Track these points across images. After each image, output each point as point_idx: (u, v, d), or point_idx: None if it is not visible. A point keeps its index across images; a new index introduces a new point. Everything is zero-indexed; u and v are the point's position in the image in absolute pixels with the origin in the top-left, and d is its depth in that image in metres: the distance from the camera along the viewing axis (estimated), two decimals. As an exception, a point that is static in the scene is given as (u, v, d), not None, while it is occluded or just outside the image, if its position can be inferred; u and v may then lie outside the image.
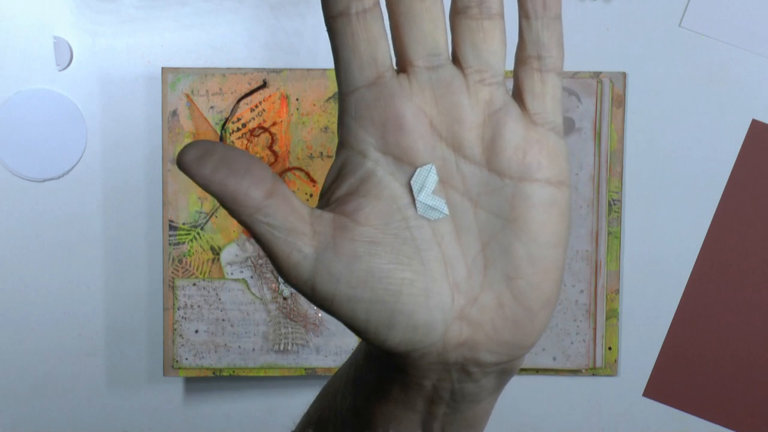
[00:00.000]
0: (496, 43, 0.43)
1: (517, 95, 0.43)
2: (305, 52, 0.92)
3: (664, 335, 0.94)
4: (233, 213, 0.41)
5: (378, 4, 0.42)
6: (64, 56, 0.91)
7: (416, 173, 0.42)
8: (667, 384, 0.95)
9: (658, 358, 0.94)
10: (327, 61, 0.92)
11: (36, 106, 0.91)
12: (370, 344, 0.44)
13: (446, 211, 0.43)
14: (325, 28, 0.92)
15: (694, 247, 0.94)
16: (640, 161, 0.93)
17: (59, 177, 0.92)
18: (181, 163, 0.40)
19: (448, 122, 0.42)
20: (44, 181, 0.92)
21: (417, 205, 0.43)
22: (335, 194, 0.43)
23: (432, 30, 0.43)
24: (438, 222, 0.43)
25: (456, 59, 0.43)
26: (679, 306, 0.94)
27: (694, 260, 0.94)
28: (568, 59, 0.93)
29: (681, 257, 0.94)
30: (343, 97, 0.43)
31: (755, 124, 0.94)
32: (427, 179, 0.43)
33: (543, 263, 0.43)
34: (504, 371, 0.45)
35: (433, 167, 0.43)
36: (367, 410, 0.47)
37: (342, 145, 0.43)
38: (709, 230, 0.95)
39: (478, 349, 0.44)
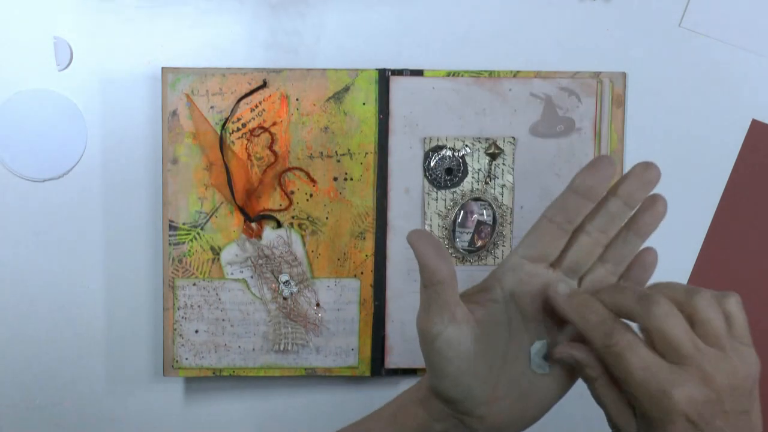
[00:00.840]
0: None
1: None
2: (305, 52, 0.92)
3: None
4: (424, 277, 0.68)
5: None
6: (64, 56, 0.91)
7: (537, 343, 0.71)
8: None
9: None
10: (327, 61, 0.92)
11: (36, 106, 0.91)
12: (431, 380, 0.70)
13: (547, 370, 0.71)
14: (325, 28, 0.92)
15: (694, 247, 0.94)
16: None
17: (59, 177, 0.92)
18: (411, 237, 0.68)
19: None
20: (44, 181, 0.92)
21: (532, 361, 0.71)
22: (474, 299, 0.71)
23: (584, 259, 0.71)
24: (510, 351, 0.71)
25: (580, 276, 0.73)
26: (679, 306, 0.94)
27: (694, 260, 0.94)
28: (568, 59, 0.93)
29: (681, 257, 0.94)
30: (514, 254, 0.71)
31: (755, 124, 0.94)
32: (540, 348, 0.71)
33: (544, 402, 0.72)
34: None
35: (546, 342, 0.71)
36: None
37: (495, 275, 0.72)
38: (709, 230, 0.95)
39: (485, 424, 0.70)
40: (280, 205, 0.91)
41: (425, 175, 0.91)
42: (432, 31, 0.92)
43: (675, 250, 0.93)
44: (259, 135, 0.90)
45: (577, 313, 0.68)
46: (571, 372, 0.71)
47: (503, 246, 0.92)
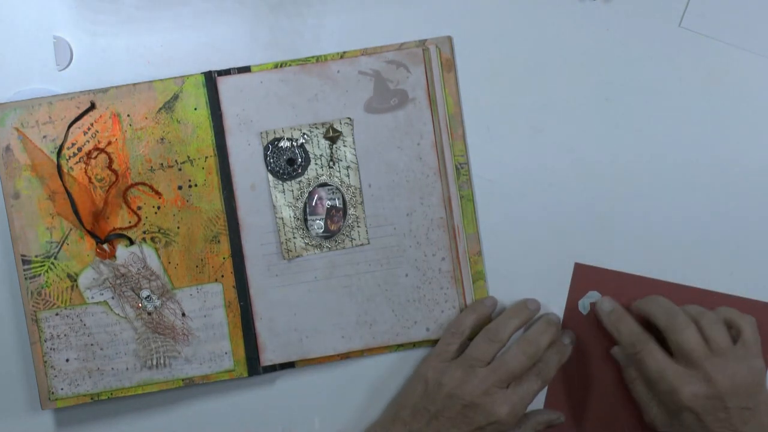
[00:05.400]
0: None
1: None
2: (305, 52, 0.92)
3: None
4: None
5: None
6: (64, 56, 0.91)
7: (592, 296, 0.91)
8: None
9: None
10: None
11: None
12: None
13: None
14: (324, 28, 0.93)
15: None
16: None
17: None
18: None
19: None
20: None
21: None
22: None
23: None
24: None
25: None
26: (543, 258, 0.94)
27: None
28: (570, 59, 0.93)
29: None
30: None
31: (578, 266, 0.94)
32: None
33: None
34: None
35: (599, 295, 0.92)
36: None
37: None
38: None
39: None
40: (129, 222, 0.91)
41: (268, 170, 0.91)
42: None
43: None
44: (96, 157, 0.90)
45: (613, 325, 0.88)
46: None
47: (358, 227, 0.92)
